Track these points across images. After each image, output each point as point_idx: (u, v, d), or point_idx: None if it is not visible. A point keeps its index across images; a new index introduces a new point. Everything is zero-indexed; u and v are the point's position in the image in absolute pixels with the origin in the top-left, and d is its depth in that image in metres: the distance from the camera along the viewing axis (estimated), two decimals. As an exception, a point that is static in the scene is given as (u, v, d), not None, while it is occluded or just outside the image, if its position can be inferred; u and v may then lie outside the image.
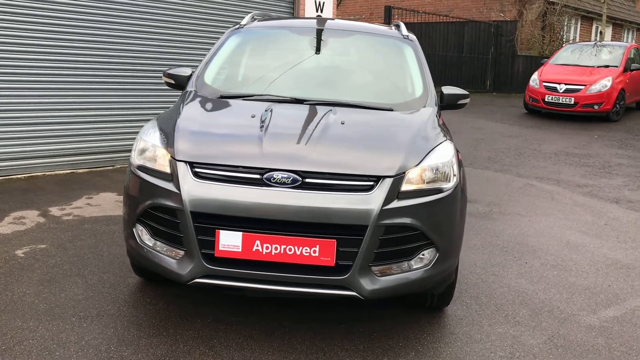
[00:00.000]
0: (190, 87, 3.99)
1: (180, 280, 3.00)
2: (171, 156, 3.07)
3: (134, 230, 3.19)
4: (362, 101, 3.82)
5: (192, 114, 3.50)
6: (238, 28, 4.62)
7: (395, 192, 2.97)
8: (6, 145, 6.57)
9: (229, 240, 2.90)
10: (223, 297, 3.69)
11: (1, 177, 6.51)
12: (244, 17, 4.84)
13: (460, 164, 3.45)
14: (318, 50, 4.44)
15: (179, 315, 3.48)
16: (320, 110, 3.57)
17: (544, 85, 12.99)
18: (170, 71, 4.25)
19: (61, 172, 6.91)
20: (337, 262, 2.91)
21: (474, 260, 4.75)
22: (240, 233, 2.90)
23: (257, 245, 2.89)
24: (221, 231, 2.90)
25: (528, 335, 3.58)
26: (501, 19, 19.61)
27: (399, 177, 2.99)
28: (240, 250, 2.90)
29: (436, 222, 3.10)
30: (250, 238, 2.89)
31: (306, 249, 2.88)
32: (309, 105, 3.67)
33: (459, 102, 4.28)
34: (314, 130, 3.25)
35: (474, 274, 4.46)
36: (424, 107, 3.87)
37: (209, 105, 3.72)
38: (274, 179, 2.91)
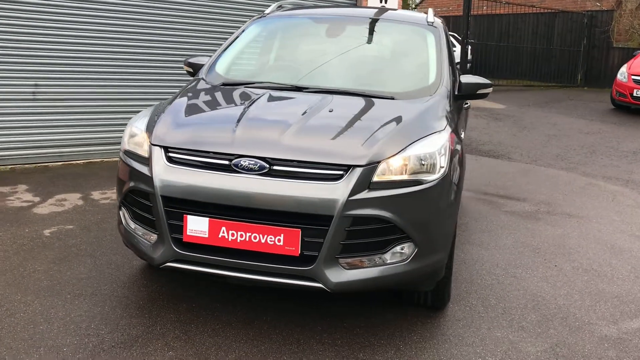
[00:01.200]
0: (200, 75, 4.05)
1: (153, 263, 3.04)
2: (149, 141, 3.11)
3: (120, 213, 3.27)
4: (365, 89, 3.70)
5: (183, 101, 3.53)
6: (260, 17, 4.62)
7: (366, 183, 2.84)
8: (67, 133, 6.97)
9: (196, 226, 2.90)
10: (215, 284, 3.70)
11: (62, 163, 6.91)
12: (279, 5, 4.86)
13: (456, 155, 3.26)
14: (334, 38, 4.35)
15: (166, 299, 3.54)
16: (315, 98, 3.50)
17: (633, 79, 12.07)
18: (191, 60, 4.34)
19: (116, 159, 7.22)
20: (302, 252, 2.84)
21: (497, 260, 4.49)
22: (207, 219, 2.89)
23: (223, 232, 2.87)
24: (189, 216, 2.91)
25: (528, 342, 3.33)
26: (597, 9, 18.40)
27: (371, 167, 2.86)
28: (207, 236, 2.90)
29: (414, 215, 2.94)
30: (217, 224, 2.88)
31: (271, 238, 2.83)
32: (306, 93, 3.61)
33: (478, 92, 4.05)
34: (296, 117, 3.19)
35: (491, 274, 4.21)
36: (431, 95, 3.69)
37: (205, 92, 3.74)
38: (241, 165, 2.88)
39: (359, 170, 2.83)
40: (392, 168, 2.92)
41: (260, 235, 2.83)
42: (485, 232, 5.13)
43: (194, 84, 3.88)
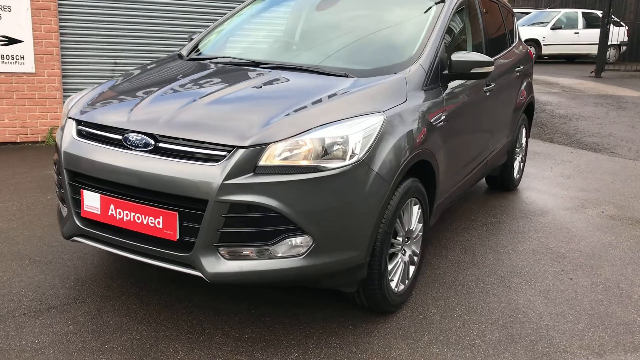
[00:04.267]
0: (181, 50, 3.98)
1: (63, 236, 3.04)
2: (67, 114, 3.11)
3: (55, 186, 3.32)
4: (322, 66, 3.38)
5: (129, 74, 3.48)
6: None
7: (250, 166, 2.57)
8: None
9: (91, 202, 2.84)
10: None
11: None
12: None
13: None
14: (323, 11, 4.04)
15: (109, 273, 3.54)
16: (257, 74, 3.29)
17: None
18: (193, 36, 4.29)
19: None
20: (181, 238, 2.65)
21: (501, 265, 3.91)
22: (99, 195, 2.81)
23: (112, 210, 2.78)
24: (85, 191, 2.86)
25: (462, 357, 2.84)
26: None
27: (256, 149, 2.58)
28: (99, 212, 2.83)
29: (310, 206, 2.61)
30: (107, 201, 2.79)
31: (151, 220, 2.68)
32: (254, 69, 3.39)
33: (473, 71, 3.52)
34: (212, 93, 2.99)
35: (482, 281, 3.67)
36: (395, 73, 3.27)
37: (158, 66, 3.65)
38: (129, 141, 2.75)
39: (241, 152, 2.57)
40: (286, 152, 2.61)
41: (143, 216, 2.70)
42: (510, 233, 4.50)
43: (162, 58, 3.82)
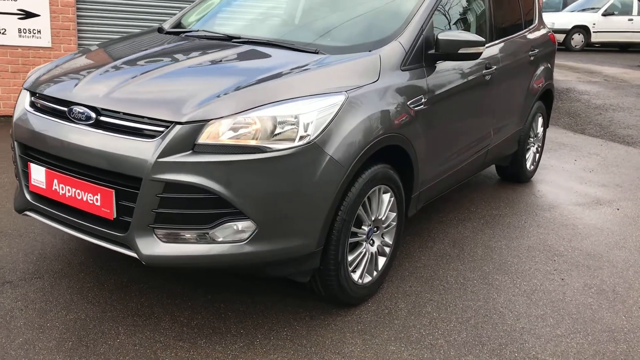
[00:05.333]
0: (163, 24, 3.87)
1: (15, 210, 2.98)
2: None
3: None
4: (294, 41, 3.20)
5: (102, 45, 3.39)
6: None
7: (188, 144, 2.42)
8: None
9: (37, 175, 2.76)
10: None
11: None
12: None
13: (343, 123, 2.64)
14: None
15: (74, 252, 3.48)
16: (225, 48, 3.15)
17: None
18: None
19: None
20: (118, 217, 2.54)
21: (489, 262, 3.66)
22: (44, 169, 2.73)
23: (56, 184, 2.69)
24: (32, 164, 2.78)
25: (419, 357, 2.64)
26: None
27: (195, 126, 2.43)
28: (44, 187, 2.74)
29: (253, 189, 2.45)
30: (51, 175, 2.70)
31: (90, 196, 2.58)
32: (225, 43, 3.24)
33: (460, 52, 3.27)
34: (165, 66, 2.86)
35: (462, 277, 3.44)
36: (370, 51, 3.05)
37: (129, 39, 3.53)
38: (73, 113, 2.64)
39: (177, 129, 2.42)
40: (230, 130, 2.45)
41: (83, 193, 2.60)
42: (509, 228, 4.23)
43: (141, 31, 3.71)
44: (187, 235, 2.49)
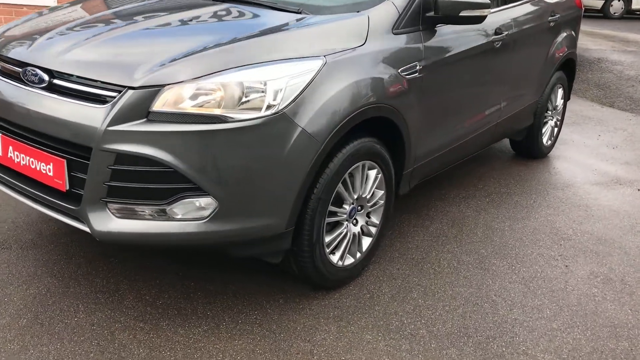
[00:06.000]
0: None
1: (-24, 177, 2.82)
2: None
3: None
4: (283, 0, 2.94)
5: (69, 3, 3.17)
6: None
7: (141, 111, 2.21)
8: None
9: (-6, 142, 2.59)
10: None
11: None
12: None
13: (319, 91, 2.40)
14: None
15: (48, 222, 3.33)
16: (200, 6, 2.92)
17: None
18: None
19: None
20: (71, 188, 2.36)
21: (483, 245, 3.41)
22: (0, 135, 2.55)
23: (11, 151, 2.52)
24: (-13, 130, 2.60)
25: (396, 348, 2.43)
26: None
27: (150, 91, 2.21)
28: (1, 154, 2.57)
29: (212, 163, 2.23)
30: (7, 142, 2.53)
31: (43, 166, 2.40)
32: (203, 2, 3.00)
33: (462, 15, 2.97)
34: (128, 25, 2.64)
35: (456, 260, 3.21)
36: (359, 12, 2.78)
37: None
38: (26, 75, 2.45)
39: (130, 94, 2.21)
40: (186, 96, 2.22)
41: (36, 161, 2.42)
42: (516, 207, 3.95)
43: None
44: (143, 211, 2.29)
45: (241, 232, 2.35)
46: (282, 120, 2.29)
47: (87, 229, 2.35)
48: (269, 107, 2.27)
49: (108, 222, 2.30)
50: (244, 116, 2.24)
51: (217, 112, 2.22)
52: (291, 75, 2.33)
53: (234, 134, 2.23)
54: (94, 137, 2.20)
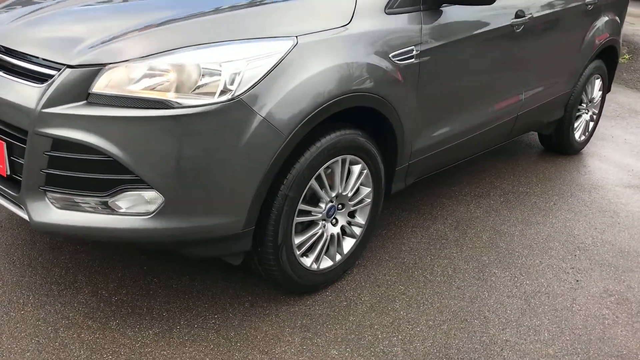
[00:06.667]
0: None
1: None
2: None
3: None
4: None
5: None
6: None
7: (81, 92, 1.99)
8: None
9: (-54, 120, 2.42)
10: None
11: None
12: None
13: (287, 76, 2.13)
14: None
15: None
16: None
17: None
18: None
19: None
20: (12, 173, 2.17)
21: (486, 252, 3.09)
22: (-50, 113, 2.38)
23: (-41, 131, 2.34)
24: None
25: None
26: None
27: (89, 70, 1.99)
28: (-49, 133, 2.40)
29: (156, 153, 2.00)
30: (-45, 121, 2.36)
31: (-15, 148, 2.22)
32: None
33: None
34: (78, 3, 2.42)
35: (452, 268, 2.91)
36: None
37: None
38: (-25, 51, 2.27)
39: (67, 73, 1.99)
40: (133, 77, 2.00)
41: (-21, 143, 2.24)
42: (532, 210, 3.59)
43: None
44: (85, 202, 2.08)
45: (192, 230, 2.12)
46: (238, 108, 2.04)
47: (26, 218, 2.16)
48: (223, 92, 2.01)
49: (47, 212, 2.11)
50: (194, 102, 1.99)
51: (168, 96, 1.98)
52: (252, 57, 2.07)
53: (180, 121, 1.99)
54: (29, 120, 2.01)
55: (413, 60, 2.61)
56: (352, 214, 2.68)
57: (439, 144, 3.02)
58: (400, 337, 2.39)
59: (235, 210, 2.15)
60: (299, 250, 2.45)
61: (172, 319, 2.39)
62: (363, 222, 2.71)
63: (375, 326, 2.44)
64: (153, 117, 1.97)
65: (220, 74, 2.01)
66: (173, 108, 1.98)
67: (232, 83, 2.02)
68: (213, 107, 2.00)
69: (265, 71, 2.08)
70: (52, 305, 2.41)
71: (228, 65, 2.02)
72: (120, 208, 2.08)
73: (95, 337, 2.26)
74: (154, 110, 1.97)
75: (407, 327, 2.45)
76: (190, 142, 2.01)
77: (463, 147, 3.23)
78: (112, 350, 2.20)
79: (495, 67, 3.24)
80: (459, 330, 2.46)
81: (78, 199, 2.08)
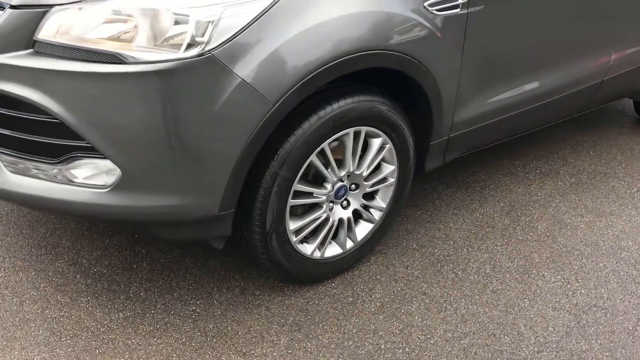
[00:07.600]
0: None
1: None
2: None
3: None
4: None
5: None
6: None
7: (24, 39, 1.67)
8: None
9: None
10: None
11: None
12: None
13: (275, 27, 1.70)
14: None
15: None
16: None
17: None
18: None
19: None
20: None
21: (517, 254, 2.57)
22: None
23: None
24: None
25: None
26: None
27: (33, 13, 1.65)
28: None
29: (108, 116, 1.67)
30: None
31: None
32: None
33: None
34: None
35: (490, 266, 2.43)
36: None
37: None
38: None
39: (8, 14, 1.66)
40: (84, 23, 1.64)
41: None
42: (607, 197, 2.99)
43: None
44: (37, 168, 1.79)
45: (155, 210, 1.79)
46: (209, 66, 1.64)
47: (-13, 182, 1.90)
48: (190, 45, 1.62)
49: (1, 176, 1.83)
50: (154, 57, 1.61)
51: (107, 47, 1.61)
52: (230, 3, 1.64)
53: (137, 80, 1.63)
54: (-32, 69, 1.70)
55: (458, 10, 2.08)
56: (370, 196, 2.25)
57: (491, 114, 2.49)
58: (407, 349, 1.99)
59: (206, 190, 1.80)
60: (296, 237, 2.07)
61: (149, 301, 2.11)
62: (384, 205, 2.28)
63: (381, 332, 2.05)
64: (103, 74, 1.62)
65: (194, 23, 1.62)
66: (128, 64, 1.61)
67: (203, 34, 1.62)
68: (175, 63, 1.61)
69: (248, 21, 1.67)
70: (25, 272, 2.19)
71: (197, 11, 1.62)
72: (76, 177, 1.77)
73: (60, 315, 2.03)
74: (106, 65, 1.62)
75: (419, 338, 2.04)
76: (148, 106, 1.65)
77: (523, 118, 2.67)
78: (72, 333, 1.96)
79: (570, 19, 2.60)
80: (482, 348, 2.02)
81: (30, 164, 1.79)
